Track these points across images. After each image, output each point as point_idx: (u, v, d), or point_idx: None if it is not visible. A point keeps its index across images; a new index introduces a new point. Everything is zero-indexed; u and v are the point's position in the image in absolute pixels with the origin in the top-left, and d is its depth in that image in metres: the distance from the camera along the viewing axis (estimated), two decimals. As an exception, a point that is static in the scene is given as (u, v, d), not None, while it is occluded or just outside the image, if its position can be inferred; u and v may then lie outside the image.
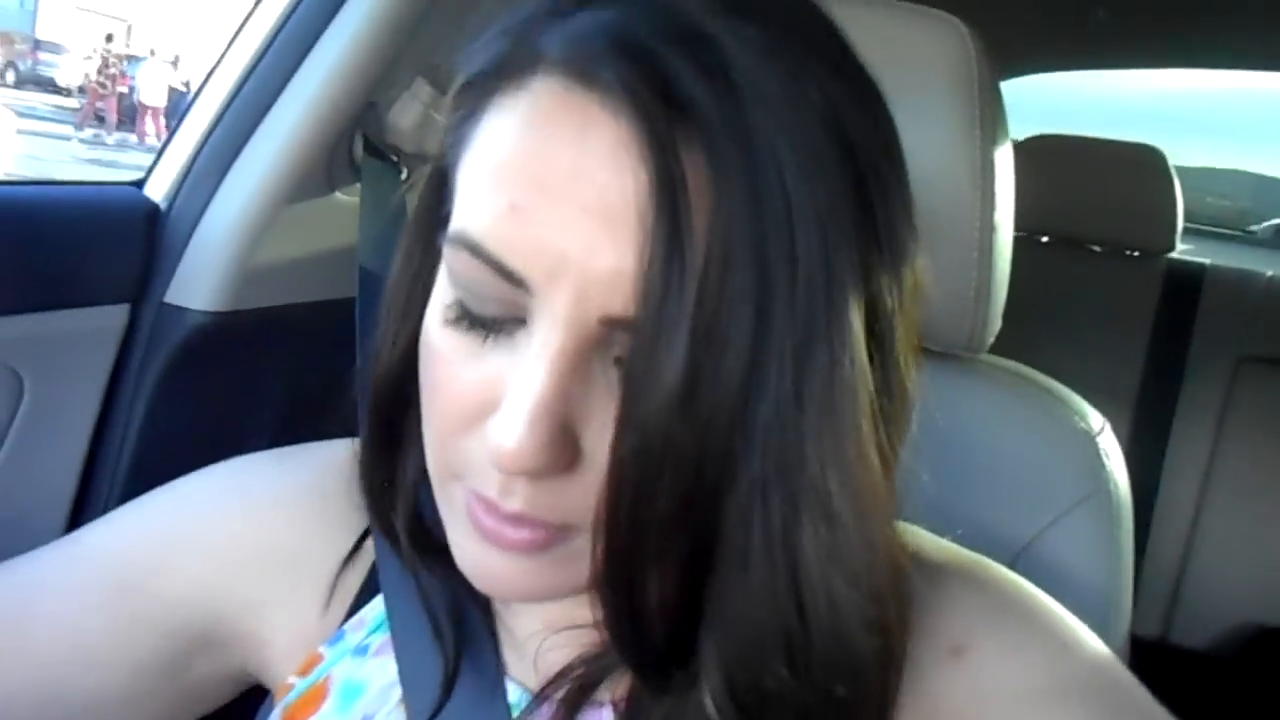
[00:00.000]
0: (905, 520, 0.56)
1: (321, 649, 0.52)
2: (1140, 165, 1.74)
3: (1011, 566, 0.75)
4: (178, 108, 11.88)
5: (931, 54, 0.70)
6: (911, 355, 0.40)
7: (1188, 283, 1.71)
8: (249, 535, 0.54)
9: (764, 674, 0.36)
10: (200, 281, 0.83)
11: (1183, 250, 1.80)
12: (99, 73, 12.91)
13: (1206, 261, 1.77)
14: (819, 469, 0.35)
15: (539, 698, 0.46)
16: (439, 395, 0.40)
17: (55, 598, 0.51)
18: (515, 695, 0.48)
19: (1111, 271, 1.76)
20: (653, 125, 0.34)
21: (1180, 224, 1.73)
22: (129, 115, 13.25)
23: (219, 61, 0.86)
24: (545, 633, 0.48)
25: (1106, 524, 0.75)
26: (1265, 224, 3.42)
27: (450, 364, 0.39)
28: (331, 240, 0.90)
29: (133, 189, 0.86)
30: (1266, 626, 1.51)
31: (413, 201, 0.89)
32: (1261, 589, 1.53)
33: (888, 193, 0.38)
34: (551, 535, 0.39)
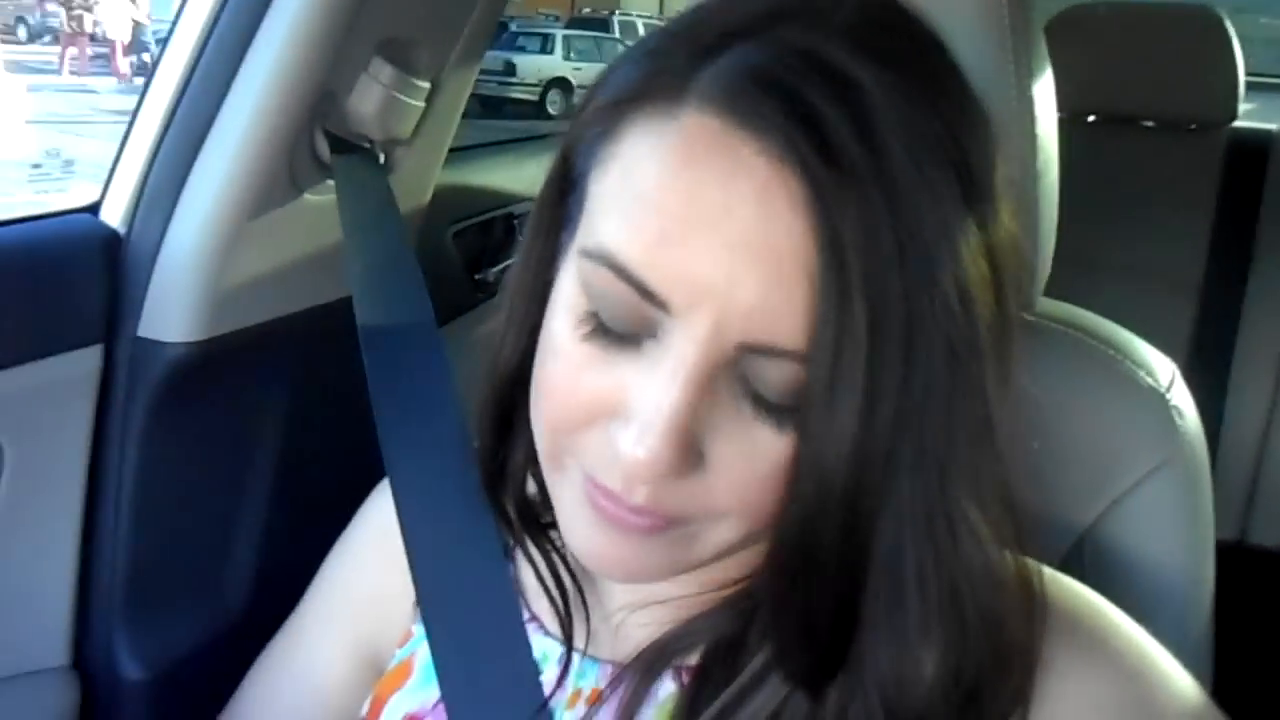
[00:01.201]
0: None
1: (413, 626, 0.58)
2: (1194, 28, 1.58)
3: (1077, 551, 0.69)
4: (139, 41, 11.57)
5: None
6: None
7: (1252, 154, 1.56)
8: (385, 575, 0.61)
9: (918, 685, 0.40)
10: (173, 310, 0.77)
11: (1245, 111, 1.64)
12: (66, 14, 12.47)
13: (1273, 127, 1.61)
14: (958, 495, 0.39)
15: (628, 668, 0.49)
16: (559, 394, 0.42)
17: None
18: (583, 664, 0.52)
19: (1168, 148, 1.62)
20: (809, 173, 0.36)
21: (1242, 89, 1.57)
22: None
23: (155, 68, 0.77)
24: (632, 606, 0.51)
25: (1183, 494, 0.68)
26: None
27: (577, 368, 0.41)
28: (306, 245, 0.83)
29: (87, 216, 0.79)
30: None
31: (397, 187, 0.83)
32: None
33: (999, 215, 0.40)
34: (669, 524, 0.41)
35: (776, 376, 0.38)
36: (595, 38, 14.40)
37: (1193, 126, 1.63)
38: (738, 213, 0.37)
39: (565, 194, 0.45)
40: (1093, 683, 0.43)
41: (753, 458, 0.39)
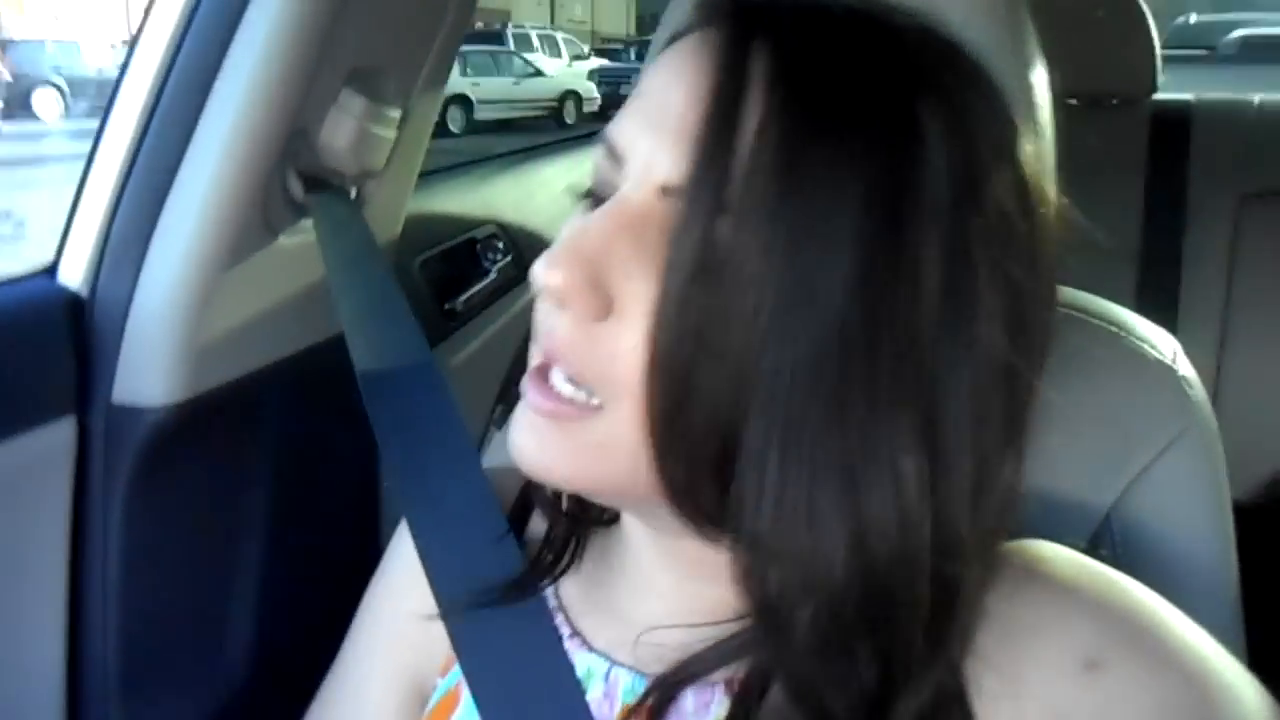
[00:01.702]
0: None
1: None
2: (1110, 7, 1.63)
3: (1105, 530, 0.70)
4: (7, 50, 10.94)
5: None
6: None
7: (1175, 124, 1.62)
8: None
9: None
10: (148, 373, 0.72)
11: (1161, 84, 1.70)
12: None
13: (1190, 98, 1.68)
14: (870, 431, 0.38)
15: (661, 680, 0.47)
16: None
17: None
18: (628, 679, 0.50)
19: (1093, 124, 1.67)
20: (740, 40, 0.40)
21: (1159, 63, 1.63)
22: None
23: (108, 113, 0.72)
24: (666, 619, 0.49)
25: (1202, 463, 0.69)
26: (1227, 38, 3.29)
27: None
28: (284, 290, 0.79)
29: (44, 279, 0.73)
30: None
31: (372, 218, 0.79)
32: None
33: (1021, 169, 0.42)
34: (579, 409, 0.41)
35: None
36: (490, 52, 14.30)
37: (1115, 101, 1.68)
38: (676, 79, 0.41)
39: None
40: (1155, 688, 0.42)
41: (649, 312, 0.39)
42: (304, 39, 0.70)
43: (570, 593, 0.54)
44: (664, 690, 0.46)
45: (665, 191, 0.40)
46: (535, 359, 0.44)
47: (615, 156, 0.42)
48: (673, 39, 0.45)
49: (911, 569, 0.38)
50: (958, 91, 0.40)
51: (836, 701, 0.39)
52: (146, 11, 0.72)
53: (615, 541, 0.53)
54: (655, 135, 0.41)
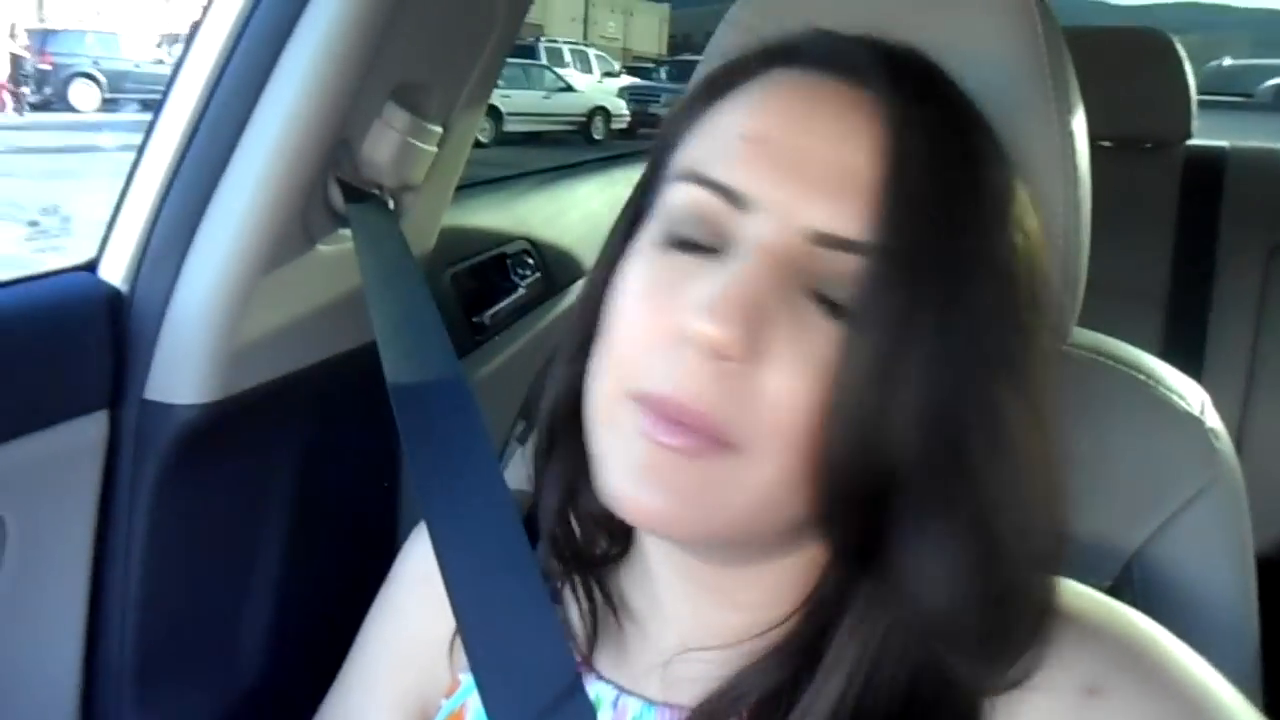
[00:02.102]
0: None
1: (461, 675, 0.56)
2: (1146, 50, 1.63)
3: (1126, 577, 0.70)
4: (19, 71, 11.09)
5: (997, 30, 0.61)
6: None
7: (1209, 170, 1.62)
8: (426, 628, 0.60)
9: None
10: (182, 371, 0.73)
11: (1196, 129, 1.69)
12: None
13: (1226, 144, 1.67)
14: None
15: (696, 712, 0.47)
16: (629, 315, 0.43)
17: None
18: (636, 708, 0.50)
19: (1126, 167, 1.66)
20: (881, 97, 0.42)
21: (1195, 109, 1.63)
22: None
23: (159, 114, 0.74)
24: (681, 648, 0.49)
25: (1227, 517, 0.68)
26: (1263, 85, 3.28)
27: (649, 288, 0.43)
28: (320, 297, 0.80)
29: (86, 274, 0.75)
30: None
31: (409, 230, 0.80)
32: None
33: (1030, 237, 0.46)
34: (708, 444, 0.40)
35: (840, 269, 0.40)
36: (522, 65, 14.41)
37: (1148, 145, 1.68)
38: (814, 126, 0.42)
39: (644, 193, 0.48)
40: (1155, 714, 0.43)
41: (807, 359, 0.40)
42: (353, 52, 0.71)
43: (577, 622, 0.54)
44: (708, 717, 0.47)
45: (818, 239, 0.41)
46: (647, 398, 0.41)
47: (736, 200, 0.42)
48: (737, 72, 0.47)
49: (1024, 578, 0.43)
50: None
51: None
52: (202, 15, 0.73)
53: (622, 576, 0.54)
54: (798, 185, 0.41)
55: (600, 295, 0.47)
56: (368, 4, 0.70)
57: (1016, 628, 0.42)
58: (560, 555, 0.53)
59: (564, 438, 0.50)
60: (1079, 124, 0.65)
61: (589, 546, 0.53)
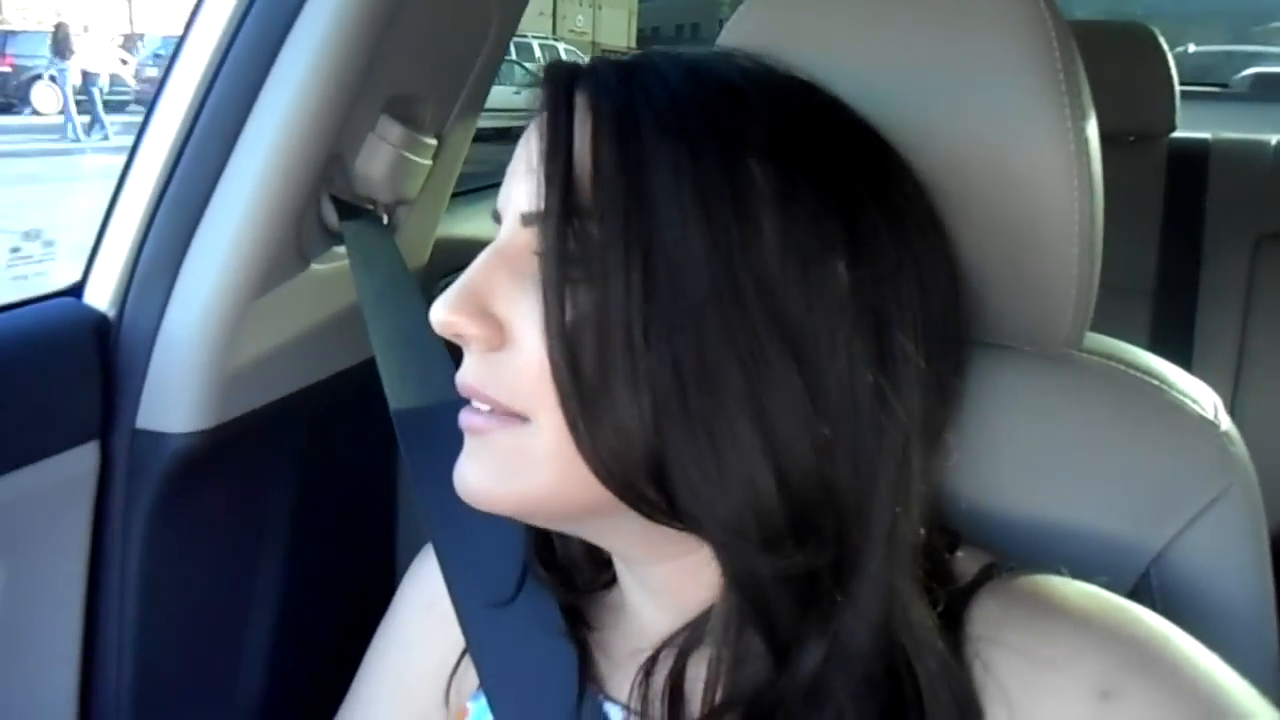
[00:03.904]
0: (1019, 542, 0.61)
1: (468, 703, 0.56)
2: (1129, 44, 1.63)
3: (1143, 585, 0.69)
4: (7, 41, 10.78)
5: (1009, 34, 0.60)
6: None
7: (1193, 162, 1.62)
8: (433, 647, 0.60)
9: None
10: (174, 399, 0.70)
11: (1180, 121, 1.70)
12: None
13: (1209, 136, 1.68)
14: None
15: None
16: None
17: None
18: (617, 714, 0.51)
19: (1111, 161, 1.66)
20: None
21: (1178, 101, 1.63)
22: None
23: (142, 132, 0.71)
24: (646, 651, 0.49)
25: (1244, 520, 0.68)
26: (1239, 75, 3.30)
27: None
28: (314, 317, 0.78)
29: (71, 300, 0.72)
30: None
31: (403, 244, 0.78)
32: None
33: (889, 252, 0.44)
34: (499, 420, 0.43)
35: (541, 241, 0.42)
36: (493, 60, 14.31)
37: (1132, 138, 1.68)
38: (531, 136, 0.44)
39: None
40: (1171, 715, 0.42)
41: (542, 327, 0.41)
42: (344, 66, 0.68)
43: (586, 642, 0.54)
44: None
45: (525, 220, 0.44)
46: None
47: (498, 216, 0.46)
48: None
49: (828, 493, 0.42)
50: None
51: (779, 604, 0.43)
52: (186, 30, 0.71)
53: (614, 599, 0.54)
54: (513, 181, 0.45)
55: None
56: (360, 16, 0.67)
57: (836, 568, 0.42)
58: (552, 586, 0.54)
59: None
60: (1092, 130, 0.64)
61: (574, 577, 0.54)
